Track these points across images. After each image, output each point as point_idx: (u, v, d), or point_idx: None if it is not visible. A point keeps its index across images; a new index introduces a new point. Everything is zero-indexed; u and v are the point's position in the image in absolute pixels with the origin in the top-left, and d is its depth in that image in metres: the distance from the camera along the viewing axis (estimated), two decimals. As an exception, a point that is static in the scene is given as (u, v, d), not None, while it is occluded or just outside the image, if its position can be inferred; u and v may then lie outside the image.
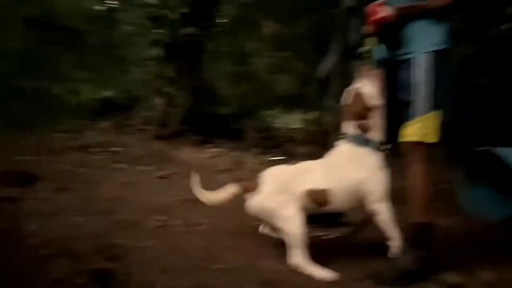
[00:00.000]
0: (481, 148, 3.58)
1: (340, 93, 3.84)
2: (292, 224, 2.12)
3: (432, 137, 2.10)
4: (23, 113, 5.38)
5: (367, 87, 2.19)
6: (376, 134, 2.18)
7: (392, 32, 2.16)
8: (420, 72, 2.11)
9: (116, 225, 2.57)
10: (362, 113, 2.16)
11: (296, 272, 2.14)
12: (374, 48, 2.25)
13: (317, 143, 6.97)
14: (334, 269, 2.16)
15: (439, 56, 2.13)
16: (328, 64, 3.65)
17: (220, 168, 4.65)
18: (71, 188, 3.23)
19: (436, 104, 2.11)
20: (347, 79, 3.70)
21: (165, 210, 2.95)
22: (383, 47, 2.29)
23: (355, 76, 2.30)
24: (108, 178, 3.69)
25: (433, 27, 2.14)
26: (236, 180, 4.06)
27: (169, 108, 5.87)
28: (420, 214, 2.16)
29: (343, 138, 2.24)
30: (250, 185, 2.32)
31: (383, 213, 2.15)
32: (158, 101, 5.90)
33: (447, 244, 2.79)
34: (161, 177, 3.93)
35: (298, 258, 2.12)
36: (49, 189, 3.08)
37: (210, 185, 3.77)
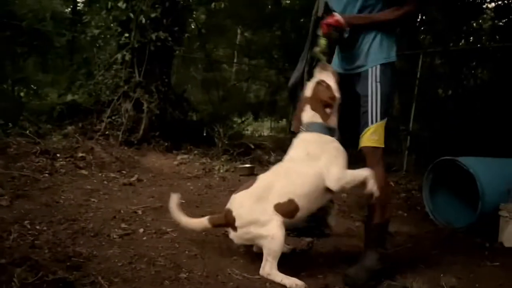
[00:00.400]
0: (445, 158, 3.68)
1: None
2: (273, 242, 2.13)
3: (383, 142, 2.31)
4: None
5: (330, 80, 2.31)
6: (335, 123, 2.30)
7: (341, 39, 2.30)
8: (373, 83, 2.31)
9: (78, 234, 2.47)
10: (328, 102, 2.25)
11: (262, 281, 2.12)
12: (324, 48, 2.36)
13: (287, 151, 7.03)
14: (302, 277, 2.16)
15: (389, 68, 2.33)
16: (297, 73, 3.67)
17: (189, 175, 4.59)
18: (31, 195, 3.10)
19: (385, 112, 2.32)
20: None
21: (130, 218, 2.87)
22: (336, 62, 2.55)
23: (314, 72, 2.42)
24: (71, 184, 3.57)
25: (384, 41, 2.34)
26: (205, 187, 4.06)
27: (137, 114, 5.74)
28: (380, 214, 2.31)
29: (304, 128, 2.31)
30: (222, 220, 2.32)
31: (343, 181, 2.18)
32: (125, 106, 5.77)
33: (412, 251, 2.85)
34: (127, 184, 3.82)
35: (271, 269, 2.14)
36: (7, 196, 2.93)
37: (177, 192, 3.73)
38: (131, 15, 5.72)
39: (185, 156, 5.44)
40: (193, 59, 10.49)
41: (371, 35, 2.34)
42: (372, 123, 2.29)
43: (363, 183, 2.20)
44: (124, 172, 4.30)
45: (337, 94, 2.29)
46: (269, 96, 13.01)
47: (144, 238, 2.55)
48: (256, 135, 10.16)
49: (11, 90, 7.83)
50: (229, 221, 2.26)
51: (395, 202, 4.44)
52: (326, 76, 2.32)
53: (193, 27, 10.39)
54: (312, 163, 2.19)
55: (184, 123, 6.50)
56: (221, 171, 4.93)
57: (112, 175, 4.09)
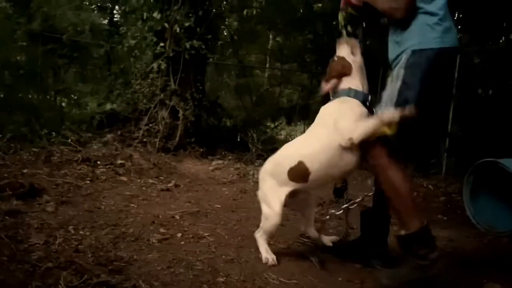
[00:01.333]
0: (486, 160, 3.56)
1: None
2: (267, 222, 2.42)
3: (390, 130, 2.03)
4: (27, 125, 5.41)
5: (344, 51, 2.33)
6: (360, 86, 2.26)
7: (359, 15, 2.34)
8: (397, 70, 2.13)
9: (119, 238, 2.55)
10: (341, 72, 2.28)
11: (299, 286, 2.12)
12: (342, 22, 2.40)
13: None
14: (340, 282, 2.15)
15: (421, 56, 2.08)
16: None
17: (224, 180, 4.65)
18: (74, 201, 3.23)
19: (404, 102, 2.04)
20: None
21: (168, 223, 2.94)
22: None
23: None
24: (111, 191, 3.69)
25: (415, 25, 2.12)
26: (240, 192, 4.10)
27: (173, 121, 5.88)
28: (411, 222, 2.04)
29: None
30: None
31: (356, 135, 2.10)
32: (162, 113, 5.92)
33: (452, 257, 2.77)
34: (164, 190, 3.92)
35: (261, 236, 2.46)
36: (53, 202, 3.07)
37: (213, 197, 3.80)
38: (166, 25, 5.88)
39: (220, 161, 5.51)
40: (226, 66, 10.62)
41: (401, 23, 2.15)
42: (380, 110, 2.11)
43: (376, 132, 2.04)
44: (161, 178, 4.40)
45: (350, 60, 2.29)
46: (302, 100, 12.98)
47: (182, 242, 2.61)
48: (290, 139, 10.14)
49: (54, 100, 8.19)
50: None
51: (434, 205, 4.35)
52: (341, 49, 2.35)
53: (225, 34, 10.54)
54: (325, 124, 2.23)
55: (218, 129, 6.60)
56: (255, 176, 4.95)
57: (150, 181, 4.20)
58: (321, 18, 9.93)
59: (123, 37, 6.82)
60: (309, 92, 11.75)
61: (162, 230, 2.78)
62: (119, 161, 4.62)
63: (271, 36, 13.08)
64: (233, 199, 3.84)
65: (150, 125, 5.86)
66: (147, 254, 2.35)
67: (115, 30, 9.09)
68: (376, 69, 8.01)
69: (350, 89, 2.24)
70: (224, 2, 8.31)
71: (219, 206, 3.53)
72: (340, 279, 2.25)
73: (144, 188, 3.93)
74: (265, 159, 5.74)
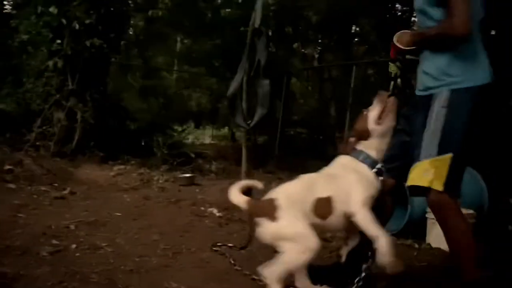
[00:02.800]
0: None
1: (248, 110, 3.94)
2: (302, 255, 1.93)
3: (438, 184, 1.88)
4: None
5: (374, 111, 2.20)
6: (374, 154, 2.18)
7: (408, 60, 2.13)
8: (437, 108, 1.93)
9: (3, 252, 2.32)
10: (360, 134, 2.21)
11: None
12: (397, 73, 2.20)
13: (229, 159, 7.04)
14: None
15: (462, 94, 1.91)
16: (236, 83, 3.71)
17: (125, 187, 4.46)
18: (-50, 212, 2.87)
19: (448, 146, 1.89)
20: (255, 97, 3.81)
21: (62, 234, 2.73)
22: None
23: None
24: (-3, 200, 3.34)
25: (454, 60, 1.94)
26: (143, 198, 3.95)
27: (70, 123, 5.50)
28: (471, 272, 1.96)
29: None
30: (264, 208, 2.01)
31: (361, 214, 1.99)
32: (58, 115, 5.52)
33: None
34: (58, 198, 3.65)
35: (276, 276, 1.94)
36: None
37: (113, 205, 3.63)
38: (64, 21, 5.49)
39: (122, 166, 5.29)
40: (131, 67, 10.25)
41: (439, 54, 1.97)
42: (424, 157, 1.92)
43: (370, 231, 1.96)
44: (56, 185, 4.10)
45: (372, 125, 2.18)
46: (211, 104, 12.98)
47: (77, 254, 2.44)
48: (197, 143, 10.07)
49: None
50: (273, 210, 1.98)
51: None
52: (374, 105, 2.23)
53: (131, 33, 10.16)
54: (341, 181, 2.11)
55: (120, 133, 6.32)
56: (160, 181, 4.84)
57: (43, 188, 3.89)
58: (229, 24, 10.03)
59: (15, 31, 6.24)
60: (218, 96, 11.80)
61: (54, 241, 2.58)
62: (7, 167, 4.21)
63: (179, 39, 12.91)
64: (135, 207, 3.70)
65: (44, 127, 5.42)
66: (36, 269, 2.16)
67: (5, 22, 8.29)
68: (281, 77, 8.33)
69: (361, 152, 2.18)
70: (130, 1, 8.02)
71: (119, 214, 3.37)
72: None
73: (35, 196, 3.63)
74: (171, 164, 5.69)
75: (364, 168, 2.15)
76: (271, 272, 1.95)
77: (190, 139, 9.73)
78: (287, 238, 1.94)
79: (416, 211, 3.49)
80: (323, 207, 2.03)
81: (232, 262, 2.50)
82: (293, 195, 2.05)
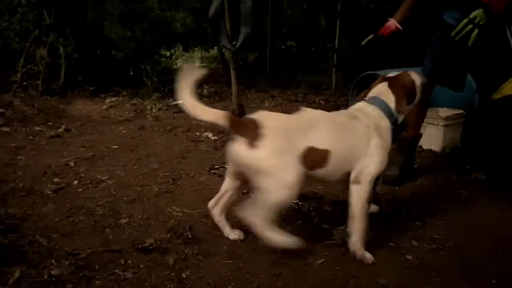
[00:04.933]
0: (367, 72, 3.83)
1: (232, 30, 3.83)
2: (283, 191, 1.70)
3: None
4: None
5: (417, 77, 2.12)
6: (400, 112, 2.02)
7: None
8: None
9: (8, 195, 2.39)
10: (409, 91, 2.06)
11: (201, 215, 2.20)
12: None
13: (220, 81, 6.97)
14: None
15: None
16: (216, 1, 3.56)
17: (119, 119, 4.47)
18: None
19: None
20: (238, 18, 3.68)
21: (62, 172, 2.80)
22: None
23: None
24: (-7, 144, 3.38)
25: None
26: (138, 129, 3.99)
27: (55, 60, 5.36)
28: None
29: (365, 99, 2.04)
30: (246, 130, 1.72)
31: (362, 189, 1.83)
32: (40, 52, 5.35)
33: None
34: (54, 136, 3.68)
35: (257, 219, 1.73)
36: None
37: (109, 138, 3.67)
38: None
39: (114, 98, 5.26)
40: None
41: None
42: None
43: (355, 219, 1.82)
44: (49, 124, 4.10)
45: (417, 89, 2.11)
46: (197, 25, 12.50)
47: (80, 189, 2.53)
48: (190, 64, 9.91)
49: None
50: (256, 134, 1.69)
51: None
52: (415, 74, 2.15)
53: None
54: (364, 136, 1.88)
55: (108, 64, 6.19)
56: (154, 110, 4.85)
57: (37, 128, 3.90)
58: None
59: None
60: (203, 16, 11.33)
61: (56, 179, 2.66)
62: (-2, 110, 4.19)
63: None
64: (131, 138, 3.74)
65: (29, 66, 5.28)
66: (42, 207, 2.25)
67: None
68: None
69: (387, 105, 1.98)
70: None
71: (116, 147, 3.42)
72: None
73: (31, 137, 3.65)
74: (162, 92, 5.65)
75: (388, 127, 1.95)
76: (253, 214, 1.73)
77: (179, 63, 9.55)
78: (262, 172, 1.69)
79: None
80: (314, 158, 1.77)
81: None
82: (284, 131, 1.74)
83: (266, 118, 1.76)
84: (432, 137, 3.45)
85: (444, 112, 3.43)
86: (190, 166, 2.99)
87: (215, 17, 3.63)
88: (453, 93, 3.63)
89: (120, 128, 4.08)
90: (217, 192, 2.00)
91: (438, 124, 3.39)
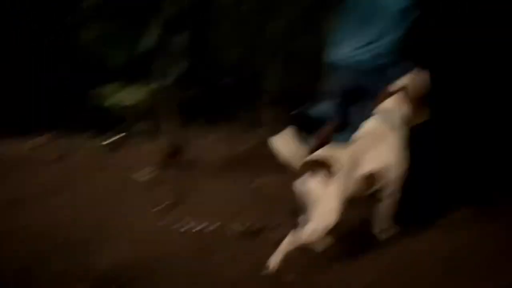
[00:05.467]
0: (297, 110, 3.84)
1: (165, 65, 3.74)
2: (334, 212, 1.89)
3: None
4: None
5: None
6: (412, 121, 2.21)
7: None
8: None
9: None
10: (418, 99, 2.19)
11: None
12: None
13: (158, 116, 6.76)
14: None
15: None
16: (149, 37, 3.48)
17: (46, 159, 4.14)
18: None
19: None
20: (173, 52, 3.61)
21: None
22: None
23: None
24: None
25: None
26: (70, 171, 3.70)
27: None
28: None
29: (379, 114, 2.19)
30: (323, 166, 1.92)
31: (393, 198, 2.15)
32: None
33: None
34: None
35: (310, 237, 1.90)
36: None
37: (34, 181, 3.37)
38: None
39: (41, 138, 4.91)
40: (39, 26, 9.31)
41: None
42: None
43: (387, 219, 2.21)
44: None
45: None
46: (135, 60, 12.31)
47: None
48: (125, 103, 9.62)
49: None
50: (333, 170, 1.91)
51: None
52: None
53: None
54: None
55: (36, 101, 5.82)
56: (85, 148, 4.57)
57: None
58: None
59: None
60: (140, 52, 11.19)
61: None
62: None
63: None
64: (57, 180, 3.44)
65: None
66: None
67: None
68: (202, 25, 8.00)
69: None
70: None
71: (39, 190, 3.15)
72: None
73: None
74: (97, 129, 5.34)
75: (403, 139, 2.15)
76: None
77: (116, 99, 9.26)
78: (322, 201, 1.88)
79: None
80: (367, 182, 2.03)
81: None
82: (348, 163, 1.95)
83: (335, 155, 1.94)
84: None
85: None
86: (123, 207, 2.80)
87: (147, 53, 3.55)
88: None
89: (45, 170, 3.78)
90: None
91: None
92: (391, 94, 2.22)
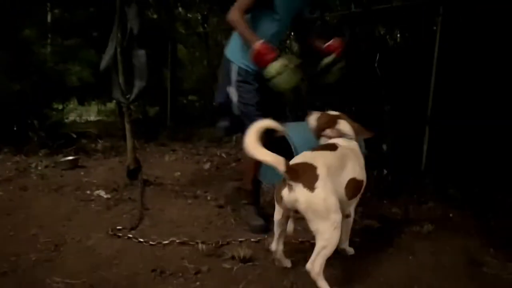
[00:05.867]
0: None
1: (126, 84, 3.71)
2: (337, 231, 1.85)
3: None
4: None
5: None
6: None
7: None
8: None
9: None
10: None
11: (90, 286, 1.98)
12: None
13: (116, 135, 6.66)
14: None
15: None
16: (108, 54, 3.46)
17: (0, 177, 3.98)
18: None
19: None
20: (131, 69, 3.59)
21: None
22: None
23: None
24: None
25: None
26: (19, 189, 3.57)
27: None
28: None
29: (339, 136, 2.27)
30: (304, 173, 1.87)
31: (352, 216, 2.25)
32: None
33: (239, 219, 3.00)
34: None
35: (319, 268, 1.83)
36: None
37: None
38: None
39: (-8, 157, 4.73)
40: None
41: None
42: None
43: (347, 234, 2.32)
44: None
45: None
46: (93, 78, 12.07)
47: None
48: (82, 121, 9.40)
49: None
50: (312, 178, 1.85)
51: (226, 172, 4.63)
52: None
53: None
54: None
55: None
56: (39, 168, 4.42)
57: None
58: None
59: None
60: (99, 69, 11.00)
61: None
62: None
63: (48, 8, 11.65)
64: (9, 200, 3.32)
65: None
66: None
67: None
68: (165, 44, 8.04)
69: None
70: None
71: (-10, 210, 3.02)
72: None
73: None
74: (51, 147, 5.23)
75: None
76: (316, 265, 1.83)
77: (72, 117, 9.05)
78: (320, 213, 1.82)
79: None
80: (352, 187, 2.07)
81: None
82: (331, 168, 1.95)
83: (317, 159, 1.94)
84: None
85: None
86: (77, 229, 2.71)
87: (107, 70, 3.51)
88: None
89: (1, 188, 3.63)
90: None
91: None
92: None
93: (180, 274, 2.11)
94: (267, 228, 2.64)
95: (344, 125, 2.32)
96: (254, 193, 2.95)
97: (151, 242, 2.47)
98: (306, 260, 1.87)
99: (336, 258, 2.33)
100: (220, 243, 2.49)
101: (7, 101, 6.63)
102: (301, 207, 1.84)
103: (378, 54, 4.55)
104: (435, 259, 2.37)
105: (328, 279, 1.95)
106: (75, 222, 2.85)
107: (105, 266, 2.19)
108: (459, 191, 3.56)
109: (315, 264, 1.82)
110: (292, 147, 3.57)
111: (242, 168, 2.89)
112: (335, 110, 2.45)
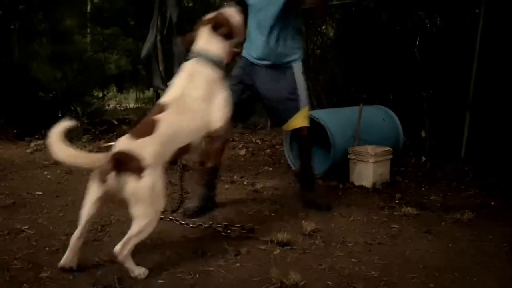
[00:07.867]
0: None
1: (165, 71, 3.81)
2: (157, 215, 1.93)
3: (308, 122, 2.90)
4: None
5: (232, 12, 2.25)
6: (225, 54, 2.20)
7: None
8: (299, 73, 2.83)
9: None
10: (225, 29, 2.17)
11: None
12: None
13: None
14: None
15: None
16: (149, 43, 3.54)
17: (45, 163, 4.18)
18: None
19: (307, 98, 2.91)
20: (171, 57, 3.67)
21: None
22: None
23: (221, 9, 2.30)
24: None
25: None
26: (65, 174, 3.75)
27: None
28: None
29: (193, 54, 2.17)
30: (129, 163, 1.84)
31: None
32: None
33: (279, 204, 3.04)
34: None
35: (127, 250, 1.90)
36: None
37: (33, 184, 3.42)
38: None
39: (40, 142, 4.95)
40: (38, 33, 9.37)
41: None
42: (301, 108, 2.84)
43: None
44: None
45: (237, 24, 2.23)
46: (131, 66, 12.35)
47: (-4, 242, 2.30)
48: (121, 108, 9.67)
49: None
50: (139, 167, 1.83)
51: (261, 158, 4.68)
52: (230, 10, 2.25)
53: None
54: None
55: (35, 106, 5.88)
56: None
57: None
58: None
59: None
60: (137, 57, 11.25)
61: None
62: None
63: (88, -2, 11.94)
64: (57, 183, 3.51)
65: None
66: None
67: None
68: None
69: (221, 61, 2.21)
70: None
71: (40, 193, 3.19)
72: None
73: None
74: (93, 133, 5.43)
75: (217, 76, 2.15)
76: (124, 248, 1.88)
77: (112, 104, 9.32)
78: (145, 201, 1.84)
79: (338, 153, 3.66)
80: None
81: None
82: (157, 151, 1.90)
83: (139, 147, 1.87)
84: (362, 174, 3.57)
85: (373, 149, 3.57)
86: (121, 211, 2.82)
87: (147, 58, 3.60)
88: (381, 133, 3.84)
89: (46, 172, 3.83)
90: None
91: (368, 160, 3.52)
92: None
93: (221, 256, 2.17)
94: (200, 213, 2.78)
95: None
96: (212, 174, 2.93)
97: (191, 225, 2.54)
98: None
99: (373, 245, 2.35)
100: (257, 226, 2.54)
101: (51, 87, 6.92)
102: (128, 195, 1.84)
103: (418, 38, 4.43)
104: (475, 247, 2.34)
105: (366, 264, 1.97)
106: (118, 205, 2.97)
107: (148, 246, 2.28)
108: (500, 179, 3.46)
109: (124, 248, 1.88)
110: (329, 133, 3.58)
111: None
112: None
